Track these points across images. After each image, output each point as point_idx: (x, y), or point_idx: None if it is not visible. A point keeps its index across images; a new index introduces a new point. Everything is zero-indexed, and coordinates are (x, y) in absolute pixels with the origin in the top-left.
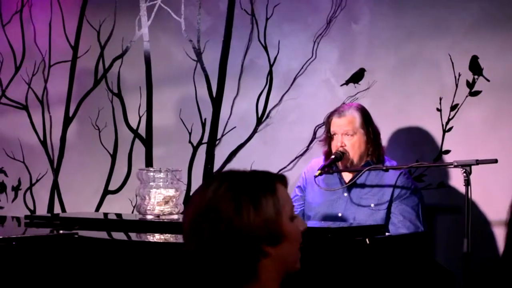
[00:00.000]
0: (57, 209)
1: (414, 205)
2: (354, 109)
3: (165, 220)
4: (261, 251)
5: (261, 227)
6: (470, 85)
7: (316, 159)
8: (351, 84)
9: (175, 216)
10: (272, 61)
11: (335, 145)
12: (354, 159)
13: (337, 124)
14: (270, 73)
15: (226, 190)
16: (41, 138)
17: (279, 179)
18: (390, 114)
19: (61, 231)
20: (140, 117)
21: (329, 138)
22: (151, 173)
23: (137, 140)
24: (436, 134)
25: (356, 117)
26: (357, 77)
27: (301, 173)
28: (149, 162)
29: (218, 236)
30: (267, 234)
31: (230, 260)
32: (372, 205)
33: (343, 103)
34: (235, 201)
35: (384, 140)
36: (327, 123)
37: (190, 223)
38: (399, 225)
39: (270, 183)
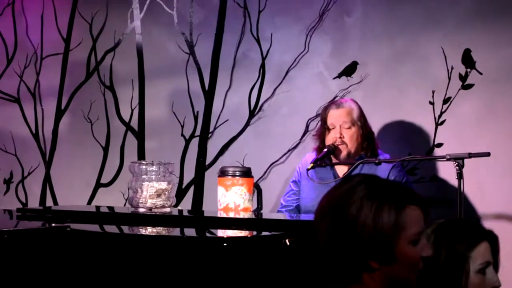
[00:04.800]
0: (49, 202)
1: None
2: (351, 102)
3: (158, 213)
4: (366, 264)
5: (373, 239)
6: (463, 78)
7: (310, 153)
8: (343, 77)
9: (167, 209)
10: (264, 54)
11: (333, 137)
12: (352, 151)
13: (335, 115)
14: (262, 66)
15: (358, 191)
16: (33, 131)
17: (416, 202)
18: (382, 107)
19: (53, 224)
20: (132, 110)
21: (325, 130)
22: (143, 166)
23: (129, 133)
24: (429, 127)
25: (354, 109)
26: (349, 70)
27: (296, 168)
28: (141, 155)
29: (334, 233)
30: (378, 249)
31: (338, 260)
32: None
33: (336, 96)
34: (359, 204)
35: (377, 133)
36: (324, 115)
37: (318, 214)
38: None
39: (402, 200)
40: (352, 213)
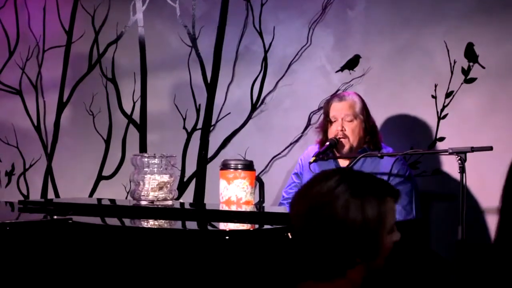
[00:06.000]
0: (50, 195)
1: (407, 191)
2: (354, 95)
3: (159, 206)
4: (353, 261)
5: (362, 235)
6: (465, 72)
7: (312, 146)
8: (346, 71)
9: (169, 202)
10: (267, 47)
11: (335, 130)
12: (353, 144)
13: (337, 108)
14: (265, 59)
15: (341, 191)
16: (35, 123)
17: (391, 193)
18: (385, 100)
19: (55, 217)
20: (134, 103)
21: (327, 123)
22: (145, 159)
23: (131, 126)
24: (431, 121)
25: (357, 102)
26: (352, 63)
27: (298, 160)
28: (143, 148)
29: (321, 234)
30: (366, 244)
31: (324, 258)
32: None
33: (338, 90)
34: (346, 204)
35: (379, 126)
36: (327, 107)
37: (296, 215)
38: None
39: (382, 192)
40: (340, 212)
